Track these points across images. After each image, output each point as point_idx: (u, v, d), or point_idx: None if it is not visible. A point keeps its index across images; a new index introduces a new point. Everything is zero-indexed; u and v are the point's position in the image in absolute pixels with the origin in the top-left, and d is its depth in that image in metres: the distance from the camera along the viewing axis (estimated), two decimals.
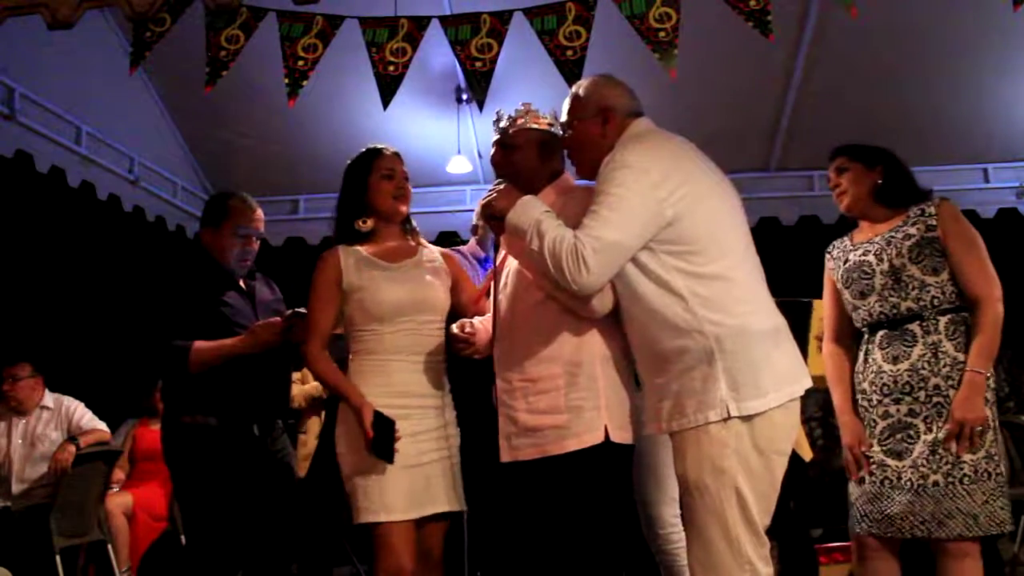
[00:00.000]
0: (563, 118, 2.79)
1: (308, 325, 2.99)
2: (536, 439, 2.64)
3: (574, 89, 2.79)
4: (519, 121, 2.86)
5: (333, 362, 2.95)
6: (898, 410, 3.08)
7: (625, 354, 2.68)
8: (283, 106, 3.94)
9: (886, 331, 3.14)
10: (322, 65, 3.92)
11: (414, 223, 3.17)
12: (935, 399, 3.03)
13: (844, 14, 3.50)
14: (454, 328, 2.86)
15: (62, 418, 5.29)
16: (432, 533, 2.95)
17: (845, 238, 3.39)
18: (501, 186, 2.70)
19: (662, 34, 3.63)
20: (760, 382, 2.39)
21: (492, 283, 2.91)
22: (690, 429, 2.42)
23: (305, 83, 3.90)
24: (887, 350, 3.14)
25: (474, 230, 4.32)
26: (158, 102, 5.94)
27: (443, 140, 5.94)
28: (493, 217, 2.67)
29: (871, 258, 3.21)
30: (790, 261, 4.72)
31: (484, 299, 3.08)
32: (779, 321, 2.54)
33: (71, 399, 5.37)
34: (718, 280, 2.45)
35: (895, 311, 3.13)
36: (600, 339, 2.65)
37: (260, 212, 3.53)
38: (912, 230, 3.15)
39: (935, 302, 3.08)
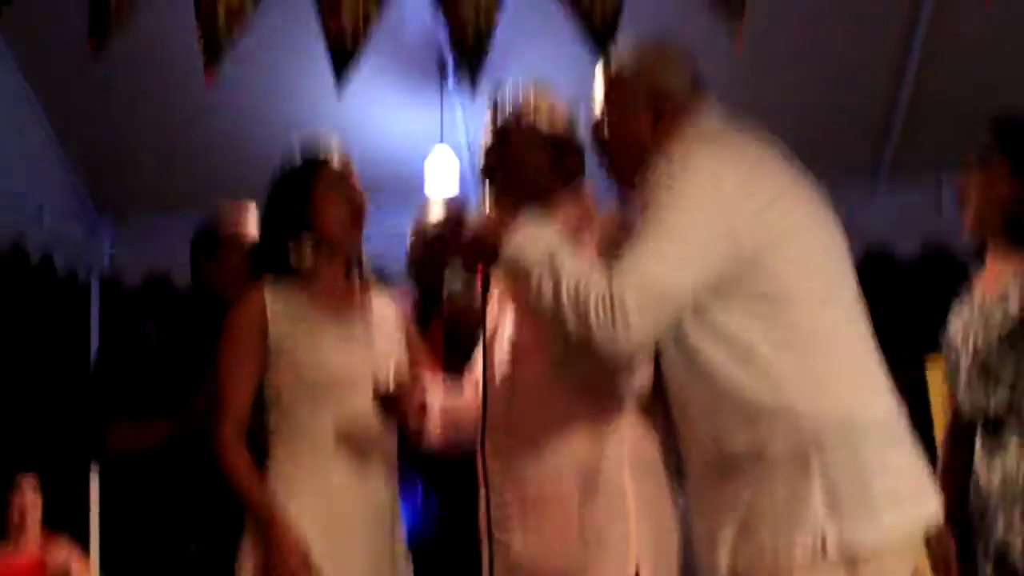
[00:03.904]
0: (597, 108, 2.77)
1: (218, 398, 2.99)
2: None
3: (615, 66, 2.77)
4: (525, 111, 2.85)
5: (250, 457, 2.95)
6: (996, 530, 3.08)
7: (667, 454, 2.67)
8: (198, 85, 3.99)
9: (982, 431, 3.14)
10: (253, 28, 3.98)
11: (365, 258, 3.20)
12: None
13: None
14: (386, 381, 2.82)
15: None
16: None
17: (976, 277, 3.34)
18: (490, 211, 2.65)
19: None
20: (872, 497, 2.32)
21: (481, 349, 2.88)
22: (764, 565, 2.37)
23: (228, 53, 3.94)
24: (984, 450, 3.15)
25: (409, 261, 3.96)
26: (18, 76, 5.95)
27: (421, 131, 5.97)
28: (482, 253, 2.60)
29: (958, 331, 3.19)
30: (908, 311, 4.72)
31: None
32: (895, 406, 2.49)
33: None
34: (816, 344, 2.41)
35: (983, 408, 3.12)
36: (630, 432, 2.63)
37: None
38: (1015, 297, 3.07)
39: None
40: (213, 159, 6.22)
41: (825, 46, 5.58)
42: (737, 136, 2.61)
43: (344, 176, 3.10)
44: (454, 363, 3.28)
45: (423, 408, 2.86)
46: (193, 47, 3.96)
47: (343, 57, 3.97)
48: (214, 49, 3.96)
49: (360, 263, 3.19)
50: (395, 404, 2.81)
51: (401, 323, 3.21)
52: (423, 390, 2.89)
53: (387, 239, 3.91)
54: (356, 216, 3.09)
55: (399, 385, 2.83)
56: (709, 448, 2.49)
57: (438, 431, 2.91)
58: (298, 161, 3.13)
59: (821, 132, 5.68)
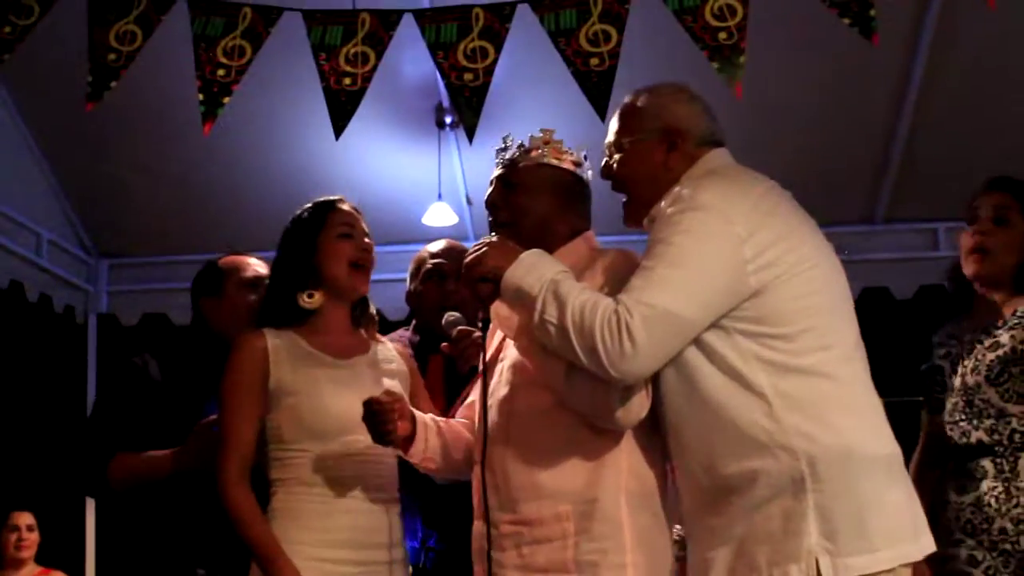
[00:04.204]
0: (610, 137, 2.80)
1: (221, 438, 2.97)
2: None
3: (630, 99, 2.80)
4: (534, 153, 2.85)
5: (255, 499, 2.93)
6: (957, 555, 3.12)
7: (664, 487, 2.66)
8: (196, 133, 3.99)
9: (955, 461, 3.21)
10: (251, 77, 3.98)
11: (372, 309, 3.21)
12: (1001, 547, 3.07)
13: (979, 5, 3.52)
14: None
15: None
16: None
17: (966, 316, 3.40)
18: (494, 238, 2.67)
19: (723, 35, 3.69)
20: (868, 531, 2.35)
21: (479, 385, 2.88)
22: None
23: (226, 101, 3.95)
24: (957, 480, 3.21)
25: (409, 299, 3.91)
26: (19, 122, 5.97)
27: (419, 180, 5.96)
28: (483, 279, 2.61)
29: (947, 364, 3.29)
30: (904, 348, 4.72)
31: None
32: (895, 449, 2.51)
33: None
34: (815, 378, 2.42)
35: (964, 439, 3.20)
36: (627, 464, 2.61)
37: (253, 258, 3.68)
38: (1005, 336, 3.18)
39: (1016, 437, 3.13)
40: (210, 205, 6.22)
41: (822, 94, 5.60)
42: (747, 174, 2.64)
43: (352, 221, 3.11)
44: (454, 401, 3.30)
45: (411, 426, 2.83)
46: (191, 95, 3.96)
47: (340, 104, 3.96)
48: (212, 97, 3.96)
49: (366, 309, 3.18)
50: (383, 419, 2.72)
51: (404, 369, 3.20)
52: (414, 415, 2.85)
53: (384, 288, 3.90)
54: (363, 262, 3.09)
55: (390, 397, 2.76)
56: (702, 478, 2.50)
57: (433, 456, 2.89)
58: (308, 207, 3.13)
59: (822, 177, 5.68)
